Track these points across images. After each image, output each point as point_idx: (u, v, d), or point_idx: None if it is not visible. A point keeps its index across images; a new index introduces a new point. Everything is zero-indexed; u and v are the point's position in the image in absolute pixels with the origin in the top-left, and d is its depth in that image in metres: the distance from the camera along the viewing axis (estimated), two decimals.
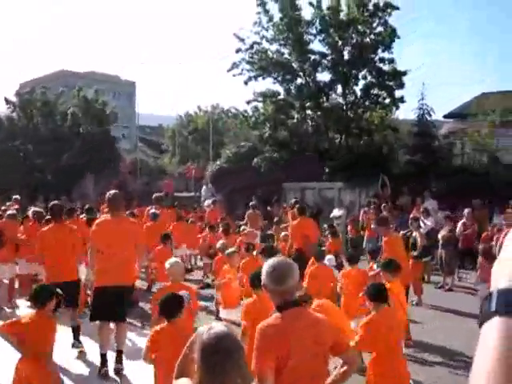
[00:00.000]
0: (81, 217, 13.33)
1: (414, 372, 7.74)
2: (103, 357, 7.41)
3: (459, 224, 14.34)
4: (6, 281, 11.62)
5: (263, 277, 3.73)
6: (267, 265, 3.76)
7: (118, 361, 7.47)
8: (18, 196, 18.66)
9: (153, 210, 14.19)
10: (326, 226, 16.25)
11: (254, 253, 9.44)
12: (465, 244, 14.30)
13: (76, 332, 8.40)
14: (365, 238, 16.65)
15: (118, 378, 7.36)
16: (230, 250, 9.09)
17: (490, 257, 11.63)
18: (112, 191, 8.00)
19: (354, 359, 3.99)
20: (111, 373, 7.43)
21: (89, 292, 9.93)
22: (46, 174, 30.84)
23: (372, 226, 10.78)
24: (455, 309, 11.62)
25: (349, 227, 18.22)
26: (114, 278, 7.27)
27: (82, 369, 7.88)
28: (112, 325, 7.73)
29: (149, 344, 5.04)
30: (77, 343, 8.35)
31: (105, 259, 7.46)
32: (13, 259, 11.64)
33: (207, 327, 2.73)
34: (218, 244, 10.40)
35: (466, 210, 14.37)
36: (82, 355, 8.15)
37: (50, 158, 30.82)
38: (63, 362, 7.56)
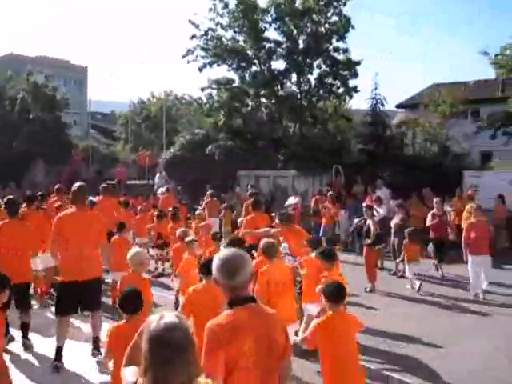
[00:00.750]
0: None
1: (368, 358, 7.88)
2: (59, 350, 7.29)
3: (429, 214, 14.36)
4: None
5: (214, 270, 3.50)
6: (218, 257, 3.53)
7: (96, 347, 7.58)
8: None
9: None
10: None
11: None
12: (436, 234, 14.25)
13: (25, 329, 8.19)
14: (322, 226, 16.68)
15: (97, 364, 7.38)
16: (189, 238, 9.02)
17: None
18: (78, 183, 7.83)
19: (290, 364, 3.75)
20: (90, 357, 7.53)
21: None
22: None
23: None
24: (407, 295, 11.84)
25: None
26: (82, 272, 7.15)
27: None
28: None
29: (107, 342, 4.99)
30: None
31: (71, 253, 7.29)
32: None
33: (158, 316, 2.64)
34: (178, 232, 10.26)
35: (435, 200, 14.40)
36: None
37: None
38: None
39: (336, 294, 5.37)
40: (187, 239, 8.87)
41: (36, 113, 32.14)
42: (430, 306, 11.00)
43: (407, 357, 8.04)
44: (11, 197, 9.20)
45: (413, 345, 8.53)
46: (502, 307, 10.81)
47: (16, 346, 8.03)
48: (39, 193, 14.43)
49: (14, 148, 30.12)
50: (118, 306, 5.29)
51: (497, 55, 20.27)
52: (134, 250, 7.14)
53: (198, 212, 15.43)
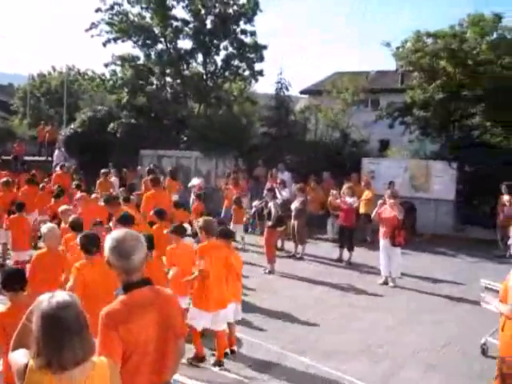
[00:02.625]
0: None
1: (266, 337, 8.04)
2: None
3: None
4: None
5: (106, 251, 3.37)
6: (110, 238, 3.39)
7: None
8: None
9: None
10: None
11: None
12: (345, 221, 14.27)
13: None
14: (224, 208, 16.67)
15: None
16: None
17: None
18: None
19: (184, 344, 3.72)
20: None
21: None
22: None
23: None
24: (305, 276, 12.12)
25: None
26: None
27: None
28: None
29: None
30: None
31: None
32: None
33: (49, 295, 2.56)
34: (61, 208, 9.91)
35: (345, 186, 14.50)
36: None
37: None
38: None
39: None
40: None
41: None
42: (329, 288, 11.32)
43: (304, 337, 8.26)
44: None
45: (309, 325, 8.77)
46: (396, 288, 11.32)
47: None
48: None
49: None
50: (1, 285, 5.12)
51: (398, 47, 20.91)
52: (49, 225, 6.95)
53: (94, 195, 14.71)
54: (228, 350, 7.26)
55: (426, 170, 18.12)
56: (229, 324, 7.34)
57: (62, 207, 9.53)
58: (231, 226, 13.57)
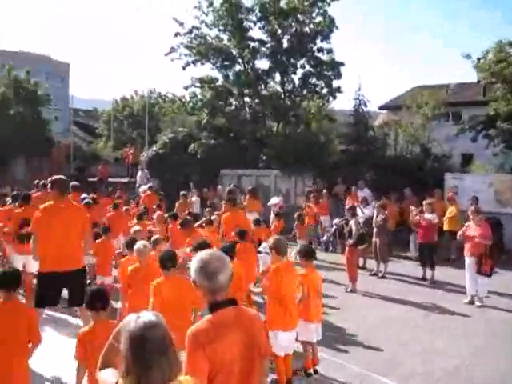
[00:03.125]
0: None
1: (348, 357, 7.93)
2: None
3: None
4: None
5: (192, 272, 3.45)
6: (196, 259, 3.48)
7: None
8: None
9: (84, 195, 13.79)
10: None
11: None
12: (425, 237, 13.93)
13: None
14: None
15: None
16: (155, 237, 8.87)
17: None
18: (57, 176, 7.78)
19: (268, 363, 3.80)
20: None
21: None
22: None
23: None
24: (387, 295, 11.91)
25: None
26: (59, 263, 7.11)
27: None
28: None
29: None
30: None
31: (51, 245, 7.27)
32: None
33: (135, 316, 2.64)
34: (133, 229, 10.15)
35: (425, 202, 14.05)
36: None
37: None
38: None
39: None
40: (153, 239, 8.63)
41: (17, 108, 31.76)
42: (411, 307, 11.07)
43: (386, 357, 8.09)
44: None
45: (391, 345, 8.59)
46: (483, 307, 10.94)
47: None
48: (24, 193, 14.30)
49: None
50: (85, 304, 5.30)
51: (479, 59, 20.43)
52: (143, 242, 7.32)
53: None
54: (311, 371, 7.21)
55: (511, 184, 17.51)
56: (312, 344, 7.29)
57: (134, 228, 9.72)
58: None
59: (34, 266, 8.59)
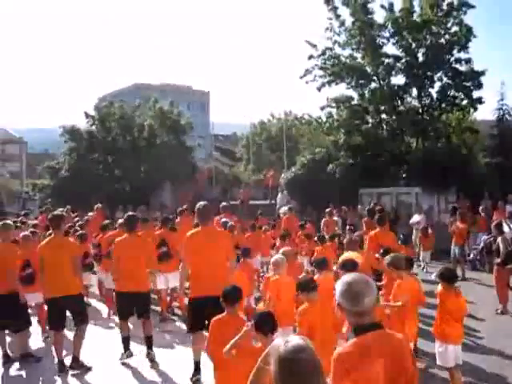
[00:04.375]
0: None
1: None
2: (196, 365, 7.62)
3: None
4: None
5: (337, 295, 3.45)
6: (341, 282, 3.49)
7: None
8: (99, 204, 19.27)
9: (224, 219, 14.20)
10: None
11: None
12: None
13: (148, 341, 8.55)
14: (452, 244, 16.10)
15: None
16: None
17: None
18: (202, 202, 8.11)
19: None
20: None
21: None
22: (124, 185, 31.63)
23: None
24: None
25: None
26: (209, 288, 7.39)
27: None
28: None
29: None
30: (151, 353, 8.49)
31: (201, 271, 7.59)
32: None
33: (284, 340, 2.70)
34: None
35: None
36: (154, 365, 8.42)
37: (128, 169, 31.68)
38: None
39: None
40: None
41: (162, 138, 33.44)
42: None
43: None
44: (130, 213, 9.70)
45: None
46: None
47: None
48: (164, 215, 15.05)
49: (143, 172, 31.49)
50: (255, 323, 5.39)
51: None
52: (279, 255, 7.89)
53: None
54: None
55: None
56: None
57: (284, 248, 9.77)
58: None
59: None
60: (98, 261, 12.85)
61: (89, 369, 8.19)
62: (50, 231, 9.25)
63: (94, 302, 12.95)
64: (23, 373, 8.39)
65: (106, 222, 14.53)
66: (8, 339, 9.13)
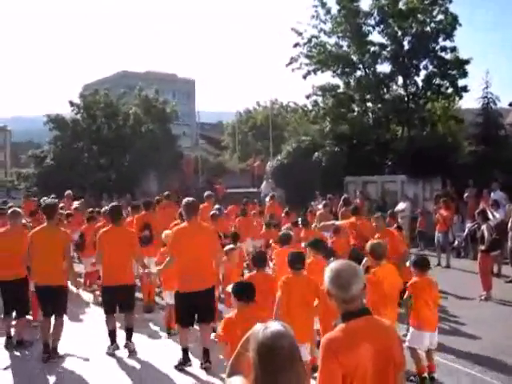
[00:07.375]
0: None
1: (484, 371, 7.56)
2: (184, 353, 7.70)
3: None
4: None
5: (326, 282, 3.47)
6: (330, 269, 3.49)
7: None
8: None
9: (217, 206, 14.17)
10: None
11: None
12: None
13: (129, 333, 8.53)
14: (436, 232, 16.18)
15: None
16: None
17: None
18: (189, 198, 8.08)
19: (404, 378, 3.66)
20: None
21: None
22: (109, 174, 31.45)
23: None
24: None
25: (419, 220, 17.91)
26: (196, 284, 7.38)
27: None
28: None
29: None
30: (130, 344, 8.47)
31: (186, 266, 7.56)
32: None
33: (262, 326, 2.68)
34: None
35: None
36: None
37: (113, 157, 31.54)
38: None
39: None
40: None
41: (147, 126, 33.25)
42: None
43: None
44: (114, 204, 9.62)
45: None
46: None
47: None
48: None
49: (128, 161, 31.33)
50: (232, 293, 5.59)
51: None
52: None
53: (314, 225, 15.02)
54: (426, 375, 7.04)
55: None
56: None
57: (227, 247, 9.56)
58: None
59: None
60: (80, 250, 12.95)
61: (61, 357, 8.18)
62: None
63: (80, 292, 12.83)
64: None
65: (90, 212, 14.54)
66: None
